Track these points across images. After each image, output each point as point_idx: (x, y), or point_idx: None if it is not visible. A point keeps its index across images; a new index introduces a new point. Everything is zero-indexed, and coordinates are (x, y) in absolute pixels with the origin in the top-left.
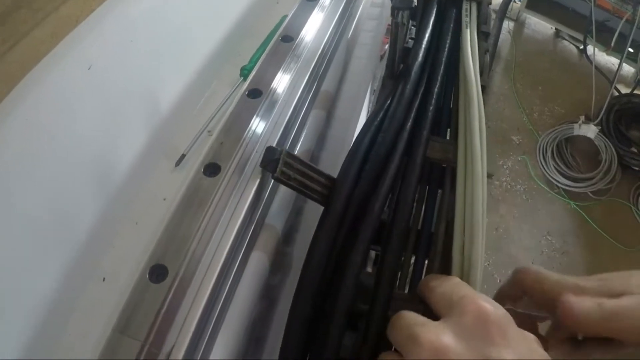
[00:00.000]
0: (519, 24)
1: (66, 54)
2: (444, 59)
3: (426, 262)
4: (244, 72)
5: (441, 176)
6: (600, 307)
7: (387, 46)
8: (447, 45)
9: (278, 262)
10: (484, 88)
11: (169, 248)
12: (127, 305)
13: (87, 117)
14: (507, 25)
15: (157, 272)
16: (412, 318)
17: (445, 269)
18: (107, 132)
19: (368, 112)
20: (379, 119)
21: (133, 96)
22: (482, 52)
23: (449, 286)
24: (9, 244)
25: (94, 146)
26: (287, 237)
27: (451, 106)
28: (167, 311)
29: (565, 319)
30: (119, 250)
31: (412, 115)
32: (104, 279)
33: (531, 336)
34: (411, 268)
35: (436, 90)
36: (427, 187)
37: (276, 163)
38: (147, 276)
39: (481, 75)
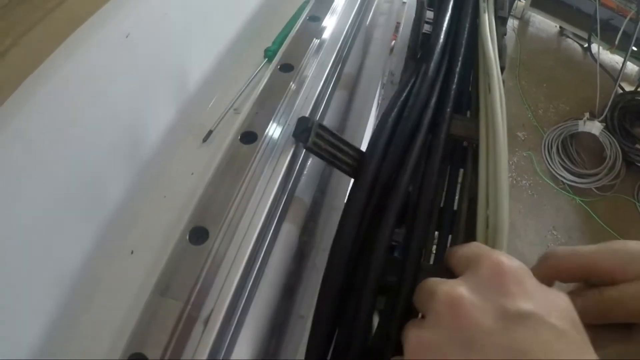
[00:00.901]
0: (524, 22)
1: (106, 19)
2: (463, 41)
3: (449, 239)
4: (268, 54)
5: (463, 155)
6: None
7: (393, 42)
8: (466, 29)
9: (305, 238)
10: (502, 69)
11: (209, 211)
12: (167, 267)
13: (121, 87)
14: (512, 23)
15: (197, 234)
16: (434, 280)
17: None
18: (138, 105)
19: (378, 106)
20: (403, 96)
21: (164, 70)
22: (500, 35)
23: (469, 248)
24: (35, 215)
25: (125, 117)
26: (313, 212)
27: (470, 89)
28: (208, 274)
29: None
30: (148, 223)
31: (436, 93)
32: (132, 252)
33: (553, 290)
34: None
35: (458, 70)
36: (450, 166)
37: (308, 133)
38: (187, 238)
39: (500, 57)
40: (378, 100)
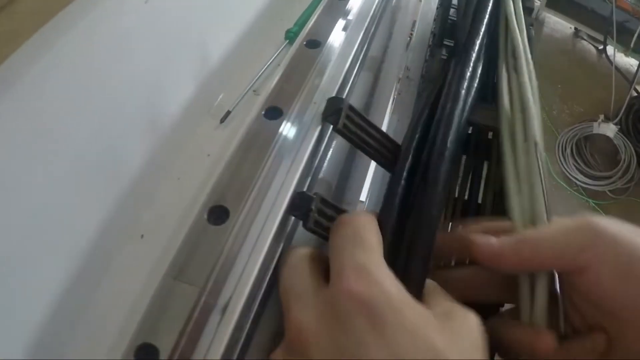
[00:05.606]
0: (539, 22)
1: None
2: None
3: None
4: (290, 35)
5: (487, 146)
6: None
7: (409, 38)
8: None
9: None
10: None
11: (230, 188)
12: (182, 248)
13: (141, 57)
14: None
15: (216, 214)
16: (296, 271)
17: None
18: (158, 79)
19: (393, 101)
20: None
21: (185, 44)
22: (528, 25)
23: (346, 232)
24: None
25: (143, 91)
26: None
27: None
28: (228, 256)
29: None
30: (160, 207)
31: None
32: (142, 236)
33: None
34: None
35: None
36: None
37: (339, 114)
38: (205, 217)
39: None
40: (394, 94)
